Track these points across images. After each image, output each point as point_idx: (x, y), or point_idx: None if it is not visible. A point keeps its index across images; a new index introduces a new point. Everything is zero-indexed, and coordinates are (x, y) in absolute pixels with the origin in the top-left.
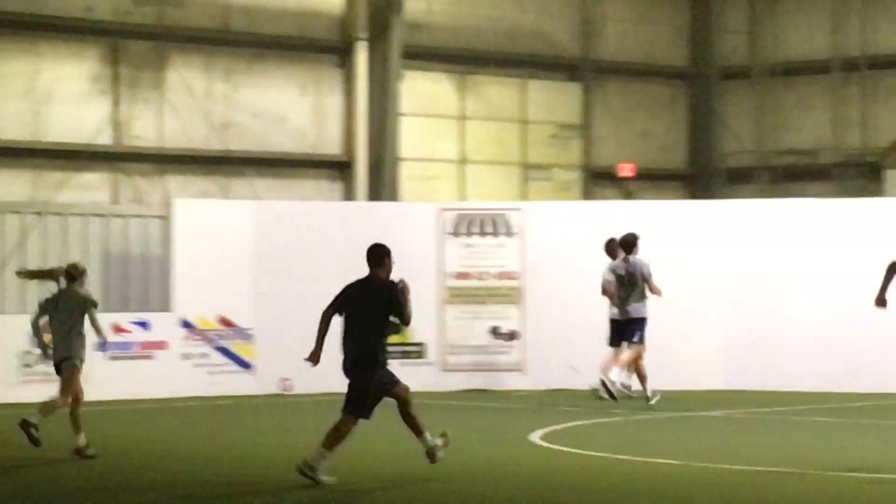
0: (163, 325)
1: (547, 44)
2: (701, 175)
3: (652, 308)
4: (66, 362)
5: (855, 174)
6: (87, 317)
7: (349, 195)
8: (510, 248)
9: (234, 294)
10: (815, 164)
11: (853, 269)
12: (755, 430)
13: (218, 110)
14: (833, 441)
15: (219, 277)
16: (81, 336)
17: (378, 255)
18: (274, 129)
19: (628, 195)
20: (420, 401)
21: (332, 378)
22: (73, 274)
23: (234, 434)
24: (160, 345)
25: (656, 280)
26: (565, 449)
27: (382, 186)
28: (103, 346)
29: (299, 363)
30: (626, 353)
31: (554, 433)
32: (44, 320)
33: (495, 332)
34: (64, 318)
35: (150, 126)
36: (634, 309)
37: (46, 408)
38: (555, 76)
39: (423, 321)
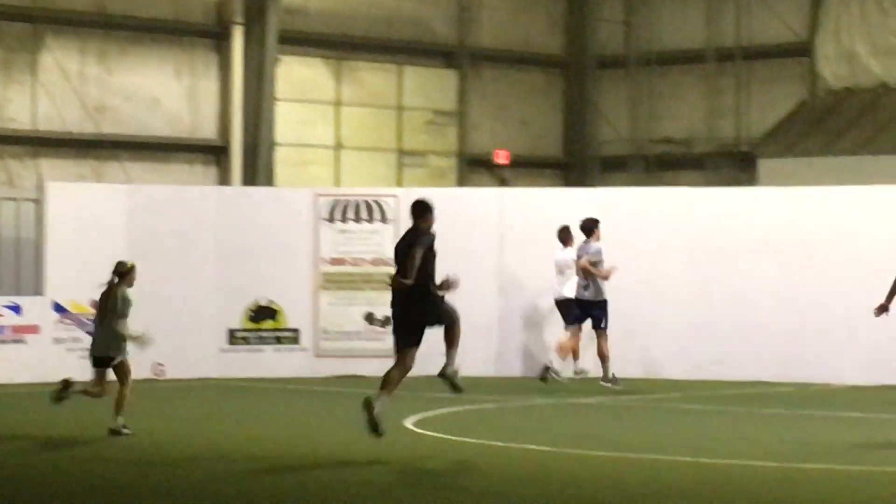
0: (35, 309)
1: (423, 30)
2: (575, 163)
3: (524, 295)
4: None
5: (728, 163)
6: None
7: (224, 180)
8: (385, 235)
9: (107, 278)
10: (688, 154)
11: (724, 258)
12: (625, 417)
13: (92, 93)
14: (698, 428)
15: (92, 261)
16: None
17: (420, 210)
18: (148, 112)
19: (503, 182)
20: (293, 387)
21: (204, 364)
22: None
23: (104, 419)
24: (32, 329)
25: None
26: (438, 435)
27: (257, 171)
28: None
29: (172, 348)
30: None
31: (427, 419)
32: None
33: (370, 318)
34: None
35: (23, 108)
36: (598, 291)
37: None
38: (431, 63)
39: (298, 307)
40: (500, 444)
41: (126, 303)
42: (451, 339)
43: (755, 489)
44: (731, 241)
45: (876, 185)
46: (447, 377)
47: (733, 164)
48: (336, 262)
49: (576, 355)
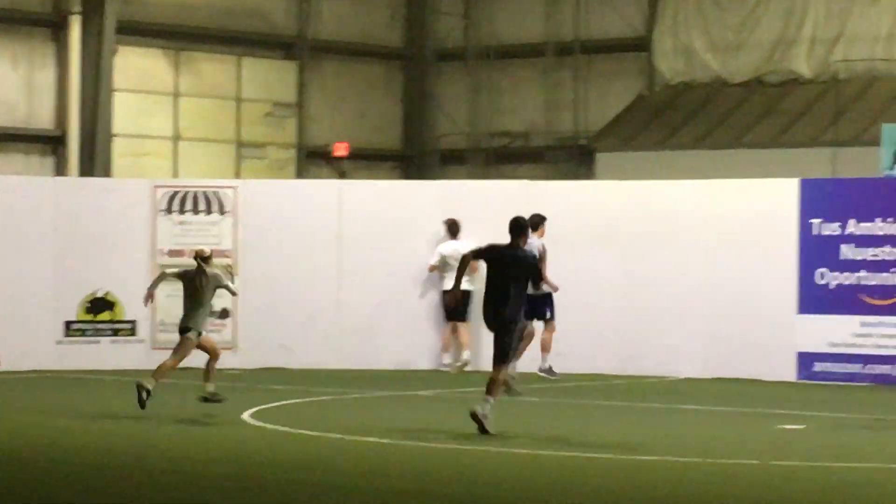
0: None
1: (262, 21)
2: (415, 156)
3: (363, 287)
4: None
5: (566, 157)
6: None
7: (61, 170)
8: (224, 226)
9: None
10: (527, 147)
11: (562, 251)
12: (462, 408)
13: None
14: (536, 421)
15: None
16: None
17: (521, 227)
18: None
19: (342, 174)
20: (130, 379)
21: (40, 355)
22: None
23: None
24: None
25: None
26: (276, 427)
27: (95, 162)
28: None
29: (7, 339)
30: (544, 333)
31: (265, 411)
32: None
33: None
34: None
35: None
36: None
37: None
38: (270, 54)
39: (135, 299)
40: (337, 436)
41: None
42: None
43: (588, 481)
44: (569, 234)
45: (712, 179)
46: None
47: (571, 157)
48: (174, 253)
49: (448, 347)
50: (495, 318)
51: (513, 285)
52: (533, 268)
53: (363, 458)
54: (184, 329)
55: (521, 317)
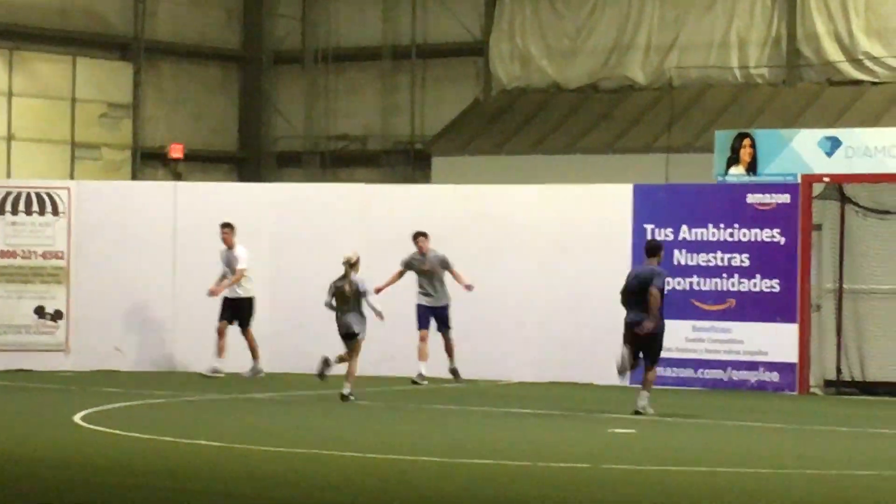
0: None
1: (98, 22)
2: (251, 158)
3: (197, 289)
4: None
5: (403, 161)
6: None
7: None
8: (57, 228)
9: None
10: (364, 150)
11: (398, 254)
12: (294, 412)
13: None
14: (364, 424)
15: None
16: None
17: (654, 248)
18: None
19: (178, 176)
20: None
21: None
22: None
23: None
24: None
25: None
26: (108, 430)
27: None
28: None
29: None
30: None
31: (97, 414)
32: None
33: (40, 311)
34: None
35: None
36: (444, 295)
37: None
38: (105, 55)
39: None
40: (169, 439)
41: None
42: None
43: (416, 485)
44: (403, 238)
45: (547, 184)
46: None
47: (408, 161)
48: (6, 254)
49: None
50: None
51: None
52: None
53: (194, 461)
54: (349, 335)
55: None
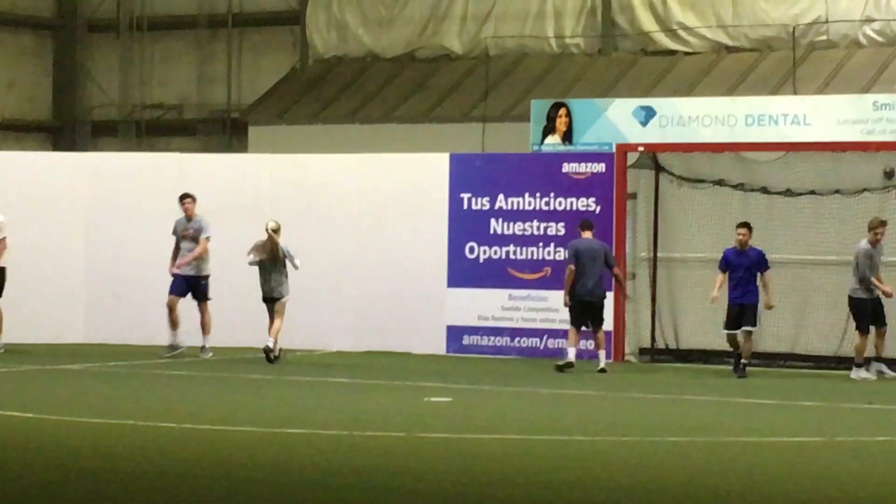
0: None
1: None
2: (65, 127)
3: (19, 261)
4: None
5: (219, 130)
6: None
7: None
8: None
9: None
10: (180, 119)
11: (213, 224)
12: (113, 383)
13: None
14: (178, 394)
15: None
16: None
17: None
18: None
19: None
20: None
21: None
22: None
23: None
24: None
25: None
26: None
27: None
28: None
29: None
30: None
31: None
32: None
33: None
34: None
35: None
36: (203, 266)
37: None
38: None
39: None
40: None
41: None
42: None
43: (238, 453)
44: (220, 207)
45: (364, 153)
46: None
47: (224, 130)
48: None
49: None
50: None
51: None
52: None
53: (5, 433)
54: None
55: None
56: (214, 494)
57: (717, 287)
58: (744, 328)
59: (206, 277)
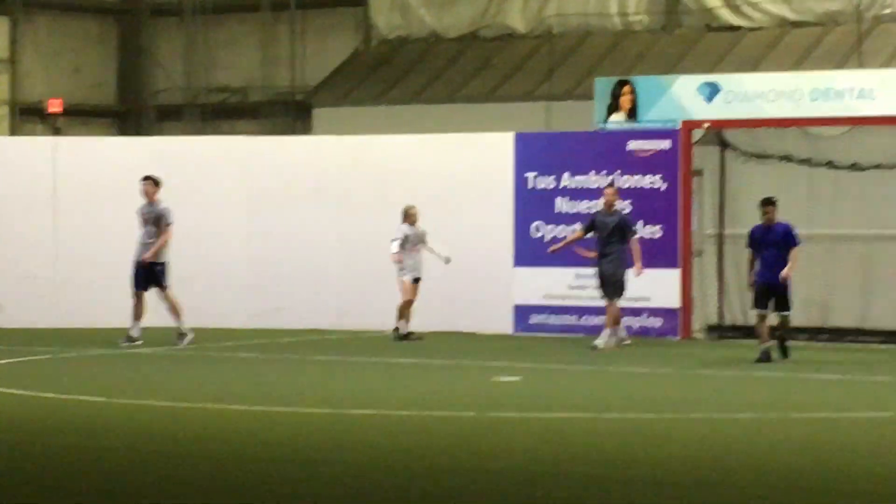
0: None
1: None
2: (131, 112)
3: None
4: None
5: (284, 112)
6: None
7: None
8: None
9: None
10: (245, 103)
11: (281, 207)
12: (181, 367)
13: None
14: (253, 377)
15: None
16: None
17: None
18: None
19: (57, 131)
20: None
21: None
22: None
23: None
24: None
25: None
26: None
27: None
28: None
29: None
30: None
31: None
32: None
33: None
34: None
35: None
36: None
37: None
38: None
39: None
40: (52, 395)
41: None
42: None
43: (308, 434)
44: (288, 190)
45: (428, 133)
46: None
47: (289, 113)
48: None
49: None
50: None
51: None
52: None
53: (78, 416)
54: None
55: None
56: (288, 476)
57: (751, 269)
58: (779, 314)
59: (162, 265)
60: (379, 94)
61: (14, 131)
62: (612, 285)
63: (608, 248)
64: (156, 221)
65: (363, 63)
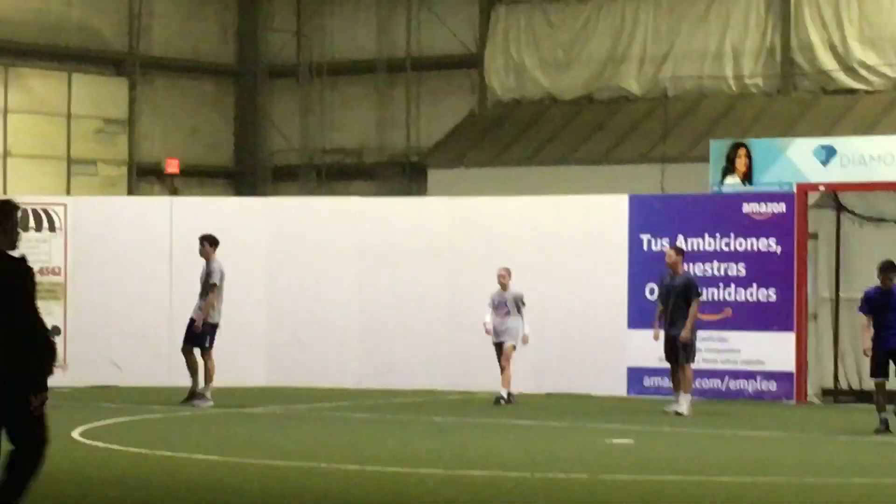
0: None
1: (92, 37)
2: (246, 172)
3: (184, 305)
4: None
5: (399, 174)
6: None
7: None
8: (54, 244)
9: None
10: (360, 164)
11: (393, 267)
12: (293, 426)
13: None
14: (365, 436)
15: None
16: None
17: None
18: None
19: (174, 191)
20: None
21: None
22: None
23: None
24: None
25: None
26: (106, 445)
27: None
28: None
29: None
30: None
31: (95, 430)
32: None
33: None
34: None
35: None
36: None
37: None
38: (100, 70)
39: None
40: (168, 453)
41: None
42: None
43: (421, 495)
44: (400, 251)
45: (542, 195)
46: None
47: (404, 174)
48: None
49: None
50: None
51: None
52: None
53: (192, 475)
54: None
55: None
56: None
57: (866, 335)
58: None
59: (212, 326)
60: (493, 156)
61: (132, 191)
62: (684, 349)
63: (676, 312)
64: (204, 282)
65: (478, 125)
